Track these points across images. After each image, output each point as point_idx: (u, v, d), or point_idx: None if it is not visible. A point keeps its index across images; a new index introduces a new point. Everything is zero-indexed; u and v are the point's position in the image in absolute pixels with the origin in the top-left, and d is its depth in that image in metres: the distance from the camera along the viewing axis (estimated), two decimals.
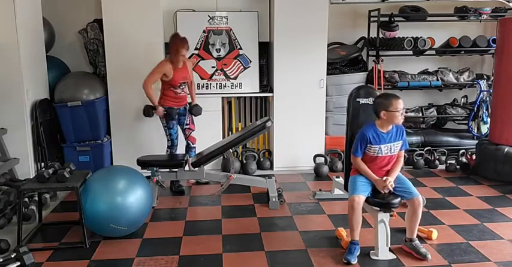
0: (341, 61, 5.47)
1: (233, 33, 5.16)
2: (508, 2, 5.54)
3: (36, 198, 3.78)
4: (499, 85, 4.82)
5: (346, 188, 3.51)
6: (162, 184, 4.09)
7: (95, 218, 3.30)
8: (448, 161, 5.32)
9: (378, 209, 3.10)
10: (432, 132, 5.71)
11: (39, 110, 4.47)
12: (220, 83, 5.23)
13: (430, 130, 5.76)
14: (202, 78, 5.19)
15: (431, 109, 5.79)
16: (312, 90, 5.14)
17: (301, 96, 5.13)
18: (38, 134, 4.46)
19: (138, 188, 3.42)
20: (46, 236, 3.57)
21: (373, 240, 3.14)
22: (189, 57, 5.09)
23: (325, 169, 5.07)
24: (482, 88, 5.56)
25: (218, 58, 5.19)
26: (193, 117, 4.62)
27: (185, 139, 4.63)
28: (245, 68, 5.22)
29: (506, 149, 4.63)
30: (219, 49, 5.17)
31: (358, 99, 3.42)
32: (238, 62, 5.20)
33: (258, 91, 5.27)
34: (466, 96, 5.91)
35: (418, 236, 3.22)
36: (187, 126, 4.58)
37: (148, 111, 4.47)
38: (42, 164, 4.54)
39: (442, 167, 5.30)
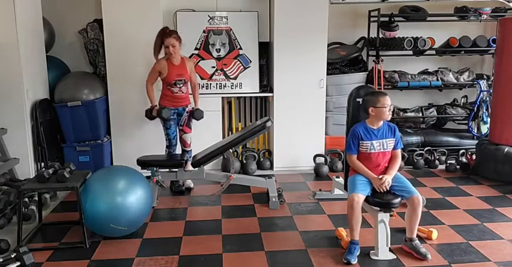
0: (341, 61, 5.47)
1: (233, 33, 5.16)
2: (508, 2, 5.54)
3: (36, 198, 3.78)
4: (499, 85, 4.82)
5: (346, 188, 3.51)
6: (162, 184, 4.09)
7: (95, 218, 3.29)
8: (448, 161, 5.32)
9: (378, 209, 3.10)
10: (432, 131, 5.72)
11: (39, 110, 4.47)
12: (220, 83, 5.23)
13: (430, 130, 5.77)
14: (202, 78, 5.18)
15: (431, 109, 5.78)
16: (312, 90, 5.14)
17: (301, 96, 5.13)
18: (38, 134, 4.46)
19: (138, 188, 3.42)
20: (46, 236, 3.57)
21: (373, 240, 3.14)
22: (189, 57, 5.11)
23: (325, 169, 5.07)
24: (482, 88, 5.56)
25: (218, 58, 5.19)
26: (194, 120, 4.55)
27: (179, 140, 4.58)
28: (245, 68, 5.22)
29: (506, 149, 4.63)
30: (219, 49, 5.17)
31: (358, 99, 3.42)
32: (238, 62, 5.20)
33: (258, 91, 5.27)
34: (466, 96, 5.91)
35: (418, 236, 3.22)
36: (181, 127, 4.54)
37: (148, 113, 4.46)
38: (42, 164, 4.54)
39: (442, 167, 5.30)
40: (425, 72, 5.69)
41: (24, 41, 4.31)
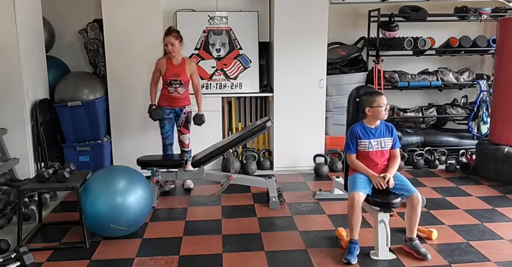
0: (341, 61, 5.47)
1: (233, 33, 5.16)
2: (508, 2, 5.54)
3: (36, 198, 3.78)
4: (499, 85, 4.82)
5: (346, 188, 3.51)
6: (162, 184, 4.08)
7: (95, 218, 3.29)
8: (448, 161, 5.32)
9: (378, 209, 3.10)
10: (432, 132, 5.72)
11: (39, 110, 4.47)
12: (220, 83, 5.23)
13: (430, 130, 5.77)
14: (202, 78, 5.18)
15: (431, 109, 5.78)
16: (312, 90, 5.14)
17: (301, 96, 5.13)
18: (38, 134, 4.46)
19: (138, 188, 3.42)
20: (46, 236, 3.57)
21: (373, 240, 3.14)
22: (189, 57, 5.11)
23: (325, 169, 5.07)
24: (482, 88, 5.56)
25: (218, 58, 5.19)
26: (195, 125, 4.55)
27: (178, 141, 4.60)
28: (245, 68, 5.22)
29: (506, 149, 4.63)
30: (219, 49, 5.17)
31: (358, 99, 3.43)
32: (238, 62, 5.20)
33: (258, 91, 5.27)
34: (466, 96, 5.91)
35: (418, 236, 3.22)
36: (178, 128, 4.54)
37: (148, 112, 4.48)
38: (42, 164, 4.53)
39: (442, 167, 5.30)
40: (425, 72, 5.69)
41: (24, 41, 4.31)
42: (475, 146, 5.13)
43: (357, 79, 5.41)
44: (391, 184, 3.11)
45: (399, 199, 3.08)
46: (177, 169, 4.15)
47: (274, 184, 4.13)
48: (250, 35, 5.16)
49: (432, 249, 3.22)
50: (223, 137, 5.21)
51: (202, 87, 5.17)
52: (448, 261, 3.08)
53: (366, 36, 5.64)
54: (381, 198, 3.08)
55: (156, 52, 4.67)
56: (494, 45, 5.15)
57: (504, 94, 4.73)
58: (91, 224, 3.35)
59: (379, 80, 5.29)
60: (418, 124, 5.81)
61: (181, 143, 4.59)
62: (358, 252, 3.09)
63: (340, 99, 5.25)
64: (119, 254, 3.23)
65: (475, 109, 5.61)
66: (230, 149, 4.10)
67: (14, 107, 4.28)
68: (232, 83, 5.23)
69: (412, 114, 5.71)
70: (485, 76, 5.81)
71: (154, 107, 4.43)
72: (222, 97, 5.26)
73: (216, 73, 5.20)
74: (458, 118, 5.84)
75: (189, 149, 4.60)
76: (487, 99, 5.55)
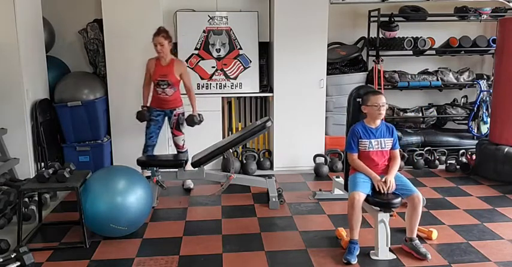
0: (341, 61, 5.47)
1: (233, 33, 5.16)
2: (508, 2, 5.54)
3: (36, 198, 3.78)
4: (499, 85, 4.82)
5: (346, 188, 3.51)
6: (162, 184, 4.09)
7: (95, 218, 3.29)
8: (448, 161, 5.32)
9: (378, 209, 3.10)
10: (432, 132, 5.72)
11: (39, 110, 4.47)
12: (220, 83, 5.23)
13: (430, 130, 5.77)
14: (202, 78, 5.19)
15: (431, 109, 5.78)
16: (312, 90, 5.14)
17: (301, 96, 5.13)
18: (38, 134, 4.46)
19: (138, 188, 3.42)
20: (46, 236, 3.57)
21: (373, 240, 3.14)
22: (189, 57, 5.12)
23: (325, 169, 5.07)
24: (482, 88, 5.56)
25: (218, 58, 5.19)
26: (189, 126, 4.49)
27: (173, 143, 4.61)
28: (245, 68, 5.22)
29: (506, 149, 4.63)
30: (219, 49, 5.17)
31: (358, 99, 3.43)
32: (238, 62, 5.20)
33: (258, 91, 5.27)
34: (466, 96, 5.91)
35: (418, 236, 3.22)
36: (171, 130, 4.53)
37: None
38: (42, 164, 4.54)
39: (442, 167, 5.30)
40: (425, 72, 5.69)
41: (24, 41, 4.31)
42: (475, 146, 5.13)
43: (357, 79, 5.41)
44: (392, 188, 3.11)
45: (399, 199, 3.08)
46: (177, 169, 4.15)
47: (274, 184, 4.13)
48: (250, 35, 5.16)
49: (432, 249, 3.22)
50: (223, 137, 5.21)
51: (202, 87, 5.17)
52: (448, 261, 3.08)
53: (366, 36, 5.64)
54: (380, 198, 3.08)
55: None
56: (494, 45, 5.15)
57: (504, 94, 4.73)
58: (91, 224, 3.35)
59: (379, 80, 5.29)
60: (418, 124, 5.81)
61: (176, 145, 4.59)
62: (358, 252, 3.09)
63: (340, 99, 5.25)
64: (119, 254, 3.23)
65: (475, 109, 5.61)
66: (230, 149, 4.10)
67: (14, 107, 4.29)
68: (232, 83, 5.23)
69: (412, 114, 5.71)
70: (485, 76, 5.81)
71: (144, 108, 4.44)
72: (222, 97, 5.26)
73: (216, 73, 5.20)
74: (458, 118, 5.84)
75: (184, 150, 4.59)
76: (487, 99, 5.55)
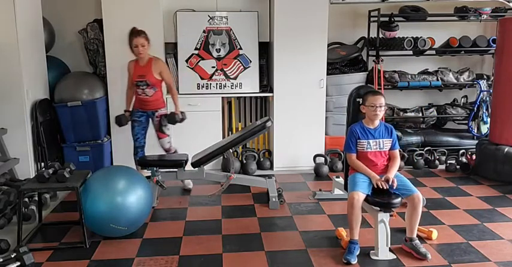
0: (341, 61, 5.47)
1: (233, 33, 5.16)
2: (508, 2, 5.54)
3: (36, 198, 3.78)
4: (499, 85, 4.82)
5: (346, 188, 3.51)
6: (162, 184, 4.08)
7: (95, 218, 3.29)
8: (448, 161, 5.32)
9: (378, 209, 3.10)
10: (432, 132, 5.72)
11: (39, 110, 4.47)
12: (220, 83, 5.22)
13: (430, 130, 5.77)
14: (202, 78, 5.19)
15: (431, 109, 5.78)
16: (312, 90, 5.14)
17: (301, 96, 5.13)
18: (38, 134, 4.46)
19: (138, 188, 3.42)
20: (46, 236, 3.57)
21: (373, 240, 3.14)
22: (189, 57, 5.12)
23: (325, 169, 5.07)
24: (482, 88, 5.56)
25: (218, 58, 5.19)
26: (170, 124, 4.38)
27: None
28: (245, 68, 5.22)
29: (506, 149, 4.63)
30: (219, 49, 5.17)
31: (358, 99, 3.43)
32: (238, 62, 5.20)
33: (258, 91, 5.27)
34: (466, 96, 5.91)
35: (418, 236, 3.22)
36: (155, 132, 4.46)
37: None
38: (42, 164, 4.54)
39: (442, 167, 5.30)
40: (425, 72, 5.69)
41: (24, 41, 4.31)
42: (475, 146, 5.13)
43: (357, 79, 5.41)
44: (395, 185, 3.11)
45: (399, 199, 3.08)
46: (177, 169, 4.15)
47: (274, 184, 4.13)
48: (250, 35, 5.16)
49: (432, 249, 3.22)
50: (223, 137, 5.21)
51: (202, 87, 5.17)
52: (448, 261, 3.08)
53: (366, 36, 5.64)
54: (380, 198, 3.08)
55: (155, 53, 4.66)
56: (494, 45, 5.15)
57: (504, 94, 4.73)
58: (91, 224, 3.35)
59: (379, 80, 5.29)
60: (418, 124, 5.81)
61: (162, 147, 4.50)
62: (358, 252, 3.09)
63: (340, 99, 5.25)
64: (119, 254, 3.23)
65: (475, 109, 5.61)
66: (230, 149, 4.10)
67: (14, 107, 4.29)
68: (232, 83, 5.23)
69: (412, 114, 5.70)
70: (485, 76, 5.81)
71: (126, 112, 4.40)
72: (222, 97, 5.25)
73: (216, 73, 5.20)
74: (458, 118, 5.83)
75: (173, 151, 4.52)
76: (487, 99, 5.55)
